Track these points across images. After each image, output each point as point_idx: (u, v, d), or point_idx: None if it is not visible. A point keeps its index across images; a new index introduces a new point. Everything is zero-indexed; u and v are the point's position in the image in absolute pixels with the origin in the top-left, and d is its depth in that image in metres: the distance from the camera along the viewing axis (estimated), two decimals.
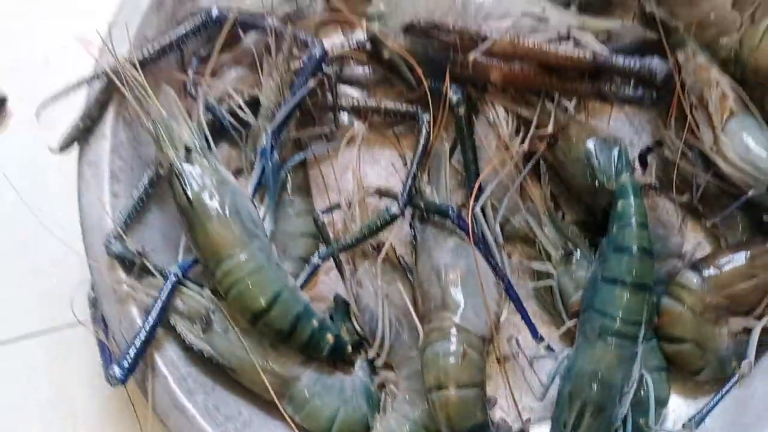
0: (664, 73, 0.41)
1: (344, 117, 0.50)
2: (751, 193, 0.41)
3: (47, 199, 0.48)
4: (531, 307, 0.46)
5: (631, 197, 0.41)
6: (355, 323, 0.45)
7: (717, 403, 0.41)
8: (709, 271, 0.42)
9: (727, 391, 0.41)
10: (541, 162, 0.46)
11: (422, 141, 0.46)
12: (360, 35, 0.50)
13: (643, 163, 0.47)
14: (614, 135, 0.44)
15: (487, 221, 0.45)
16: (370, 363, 0.45)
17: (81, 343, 0.48)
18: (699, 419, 0.41)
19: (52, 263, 0.50)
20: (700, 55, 0.45)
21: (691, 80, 0.44)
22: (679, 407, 0.45)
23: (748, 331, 0.42)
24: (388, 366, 0.45)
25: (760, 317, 0.42)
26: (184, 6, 0.49)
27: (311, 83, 0.45)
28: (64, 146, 0.44)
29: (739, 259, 0.42)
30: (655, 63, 0.41)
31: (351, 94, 0.50)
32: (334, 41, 0.50)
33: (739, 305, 0.42)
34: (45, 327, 0.46)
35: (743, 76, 0.45)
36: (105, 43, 0.44)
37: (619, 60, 0.41)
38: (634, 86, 0.42)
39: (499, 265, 0.44)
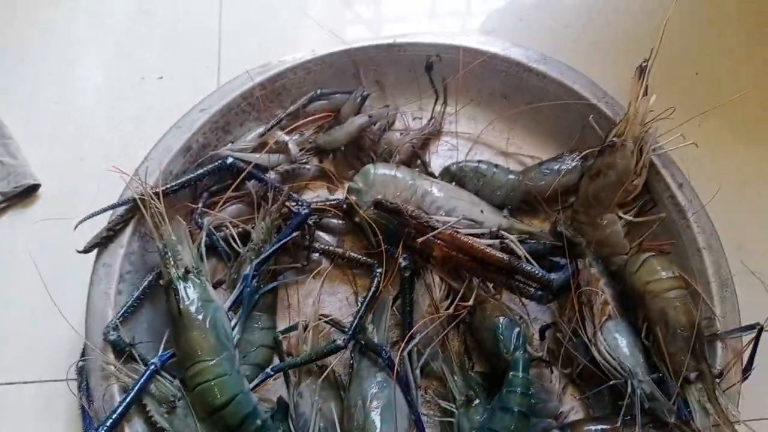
0: (559, 284, 0.54)
1: (315, 255, 0.62)
2: (612, 381, 0.54)
3: (60, 279, 0.59)
4: None
5: (520, 371, 0.52)
6: (291, 425, 0.56)
7: None
8: None
9: None
10: (461, 324, 0.58)
11: (372, 288, 0.58)
12: (339, 195, 0.64)
13: (542, 336, 0.59)
14: (518, 317, 0.56)
15: (411, 364, 0.56)
16: None
17: (64, 397, 0.58)
18: None
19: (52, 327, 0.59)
20: (594, 266, 0.58)
21: (584, 283, 0.58)
22: None
23: None
24: None
25: None
26: (206, 152, 0.62)
27: (295, 234, 0.57)
28: (88, 249, 0.56)
29: (597, 431, 0.53)
30: (554, 276, 0.54)
31: (324, 238, 0.63)
32: (319, 195, 0.64)
33: None
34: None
35: (623, 289, 0.58)
36: (138, 176, 0.57)
37: (528, 267, 0.54)
38: (536, 288, 0.55)
39: (413, 402, 0.54)
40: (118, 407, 0.51)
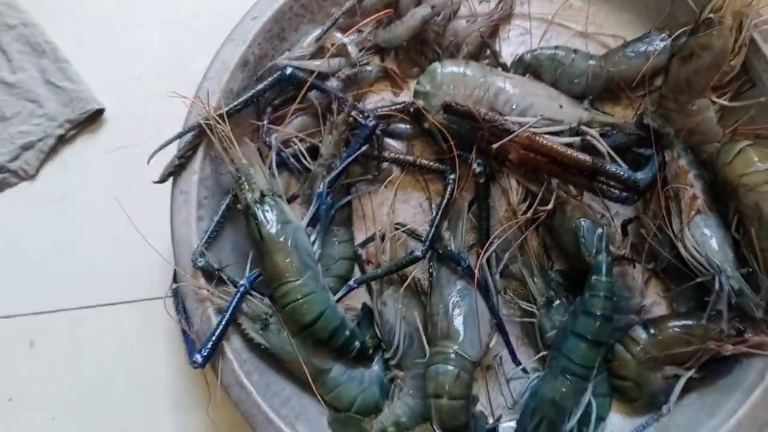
0: (646, 184, 0.51)
1: (385, 164, 0.60)
2: (699, 278, 0.53)
3: (142, 210, 0.59)
4: (516, 331, 0.59)
5: (604, 275, 0.52)
6: (377, 330, 0.59)
7: (644, 429, 0.55)
8: (656, 332, 0.54)
9: (652, 423, 0.54)
10: (540, 226, 0.58)
11: (447, 195, 0.57)
12: (405, 97, 0.60)
13: (624, 232, 0.58)
14: (600, 216, 0.55)
15: (490, 270, 0.57)
16: (385, 362, 0.59)
17: (165, 320, 0.62)
18: None
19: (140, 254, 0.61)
20: (683, 158, 0.55)
21: (672, 177, 0.55)
22: (619, 425, 0.57)
23: (677, 376, 0.55)
24: (398, 366, 0.58)
25: (688, 369, 0.55)
26: (264, 63, 0.59)
27: (364, 148, 0.56)
28: (164, 179, 0.56)
29: (681, 327, 0.54)
30: (640, 175, 0.51)
31: (393, 145, 0.61)
32: (384, 98, 0.61)
33: (674, 360, 0.54)
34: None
35: (715, 181, 0.55)
36: (200, 99, 0.55)
37: (612, 168, 0.51)
38: (621, 190, 0.52)
39: (494, 307, 0.56)
40: (216, 329, 0.54)
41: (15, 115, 0.65)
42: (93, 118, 0.65)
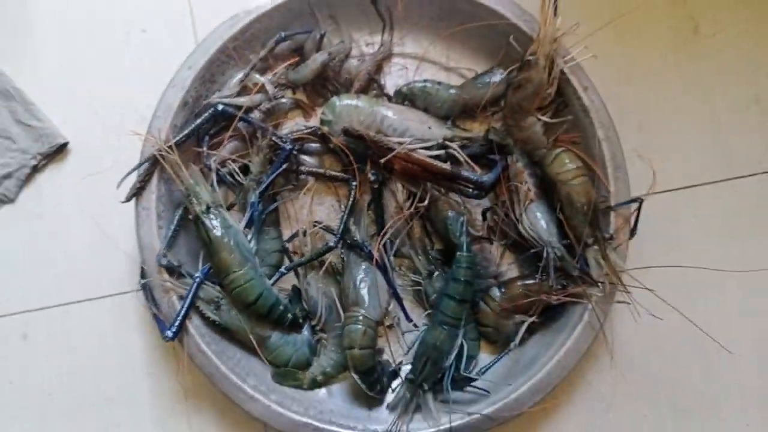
0: (491, 183, 0.70)
1: (302, 176, 0.77)
2: (534, 249, 0.72)
3: (109, 223, 0.76)
4: (408, 297, 0.77)
5: (464, 251, 0.71)
6: (304, 304, 0.76)
7: (498, 360, 0.74)
8: (506, 290, 0.73)
9: (503, 355, 0.73)
10: (421, 218, 0.76)
11: (351, 197, 0.75)
12: (314, 121, 0.77)
13: (484, 217, 0.77)
14: (462, 210, 0.74)
15: (386, 252, 0.75)
16: (312, 328, 0.76)
17: (136, 308, 0.77)
18: (488, 367, 0.73)
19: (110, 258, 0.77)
20: (520, 161, 0.74)
21: (512, 176, 0.74)
22: (485, 360, 0.75)
23: (523, 322, 0.75)
24: (322, 330, 0.75)
25: (531, 316, 0.74)
26: (200, 103, 0.74)
27: (284, 165, 0.72)
28: (129, 198, 0.71)
29: (523, 285, 0.73)
30: (485, 178, 0.70)
31: (308, 160, 0.77)
32: (297, 123, 0.78)
33: (520, 310, 0.74)
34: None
35: (543, 177, 0.74)
36: (152, 135, 0.70)
37: (465, 173, 0.70)
38: (473, 188, 0.71)
39: (391, 280, 0.74)
40: (180, 311, 0.71)
41: None
42: (60, 150, 0.78)
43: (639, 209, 0.70)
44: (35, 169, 0.78)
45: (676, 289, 0.71)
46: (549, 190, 0.74)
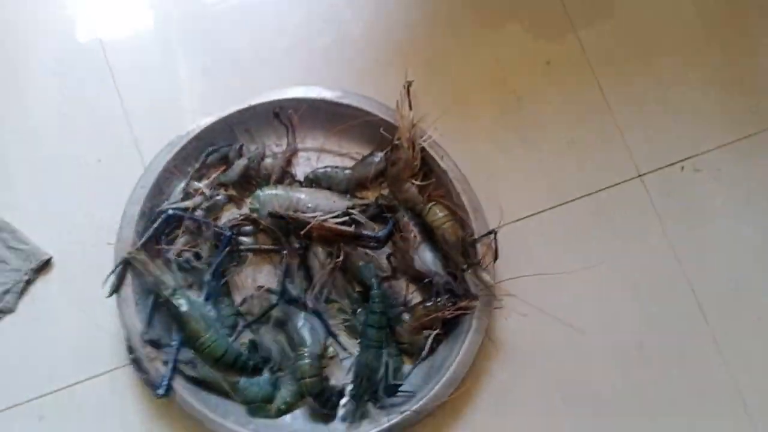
0: (385, 236, 0.93)
1: (243, 253, 0.98)
2: (426, 280, 0.95)
3: (95, 313, 0.95)
4: (342, 333, 0.98)
5: (376, 289, 0.93)
6: (261, 353, 0.96)
7: (415, 367, 0.95)
8: (412, 313, 0.95)
9: (419, 362, 0.95)
10: (340, 270, 0.98)
11: (283, 264, 0.96)
12: (245, 209, 0.99)
13: (388, 260, 0.99)
14: (369, 257, 0.96)
15: (318, 301, 0.96)
16: (270, 369, 0.96)
17: (129, 380, 0.95)
18: (409, 373, 0.95)
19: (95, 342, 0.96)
20: (405, 216, 0.97)
21: (402, 227, 0.97)
22: (408, 369, 0.97)
23: (429, 336, 0.96)
24: (279, 370, 0.95)
25: (433, 330, 0.96)
26: (154, 211, 0.95)
27: (227, 249, 0.93)
28: (111, 293, 0.91)
29: (423, 307, 0.95)
30: (380, 233, 0.93)
31: (245, 240, 0.98)
32: (233, 212, 0.99)
33: (426, 326, 0.96)
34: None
35: (424, 224, 0.97)
36: (120, 240, 0.90)
37: (365, 232, 0.93)
38: (373, 242, 0.94)
39: (326, 321, 0.95)
40: (166, 374, 0.90)
41: None
42: (46, 264, 0.97)
43: (495, 238, 0.94)
44: (28, 283, 0.97)
45: (535, 291, 0.96)
46: (430, 234, 0.97)
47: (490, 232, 0.95)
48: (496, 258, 0.95)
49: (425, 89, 1.01)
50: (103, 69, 1.02)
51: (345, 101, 0.97)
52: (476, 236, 0.95)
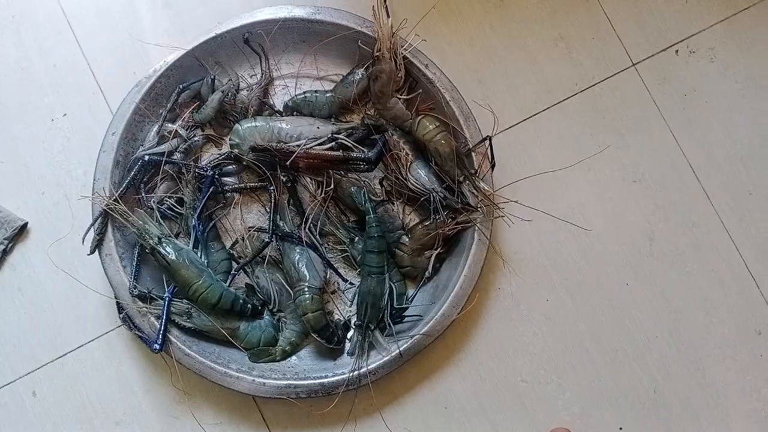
0: (376, 156, 0.88)
1: (228, 194, 0.93)
2: (423, 198, 0.91)
3: (80, 274, 0.90)
4: (340, 263, 0.94)
5: (371, 214, 0.89)
6: (259, 295, 0.92)
7: (419, 288, 0.92)
8: (412, 235, 0.91)
9: (422, 284, 0.92)
10: (332, 199, 0.93)
11: (272, 200, 0.91)
12: (225, 148, 0.93)
13: (381, 185, 0.95)
14: (361, 183, 0.91)
15: (313, 234, 0.91)
16: (270, 311, 0.92)
17: (122, 341, 0.91)
18: (414, 296, 0.92)
19: (85, 302, 0.92)
20: (395, 134, 0.92)
21: (392, 146, 0.92)
22: (412, 292, 0.94)
23: (431, 255, 0.93)
24: (279, 310, 0.92)
25: (435, 249, 0.92)
26: (129, 158, 0.89)
27: (211, 189, 0.88)
28: (93, 250, 0.86)
29: (423, 226, 0.91)
30: (371, 153, 0.88)
31: (229, 180, 0.93)
32: (212, 153, 0.94)
33: (427, 246, 0.92)
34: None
35: (415, 141, 0.93)
36: (96, 192, 0.85)
37: (354, 154, 0.88)
38: (364, 164, 0.88)
39: (322, 253, 0.91)
40: (160, 326, 0.86)
41: None
42: (22, 231, 0.92)
43: (491, 145, 0.90)
44: (5, 253, 0.92)
45: (537, 196, 0.92)
46: (422, 150, 0.92)
47: (484, 140, 0.90)
48: (493, 166, 0.91)
49: None
50: (59, 15, 0.96)
51: (318, 17, 0.91)
52: (470, 145, 0.91)
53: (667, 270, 0.94)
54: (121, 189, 0.87)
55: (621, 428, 0.92)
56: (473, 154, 0.91)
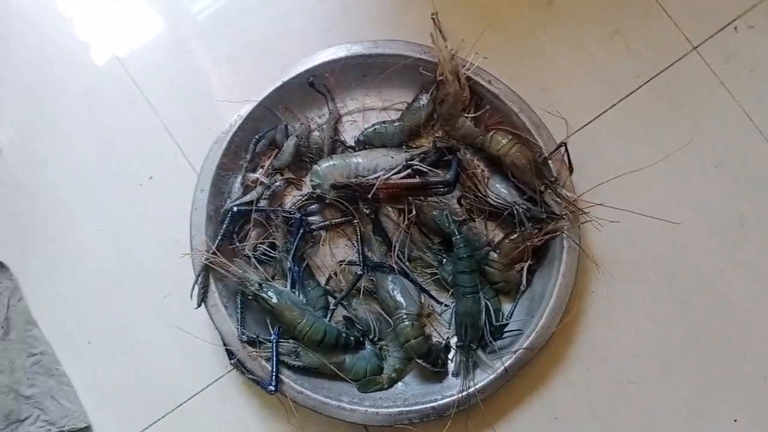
0: (453, 177, 0.90)
1: (316, 232, 0.96)
2: (506, 212, 0.92)
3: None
4: (433, 287, 0.96)
5: (458, 234, 0.91)
6: (359, 327, 0.94)
7: (517, 303, 0.93)
8: (500, 250, 0.93)
9: (519, 298, 0.93)
10: (416, 225, 0.95)
11: (358, 233, 0.94)
12: (305, 189, 0.97)
13: (459, 204, 0.96)
14: (442, 206, 0.93)
15: (402, 261, 0.93)
16: (372, 341, 0.94)
17: (235, 386, 0.95)
18: (512, 311, 0.92)
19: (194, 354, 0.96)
20: (468, 153, 0.94)
21: (467, 165, 0.94)
22: (508, 308, 0.94)
23: (522, 268, 0.93)
24: (380, 340, 0.94)
25: (525, 261, 0.93)
26: (219, 212, 0.93)
27: (301, 232, 0.91)
28: (199, 304, 0.90)
29: (510, 240, 0.92)
30: (449, 175, 0.90)
31: (315, 219, 0.96)
32: (295, 196, 0.97)
33: (517, 260, 0.93)
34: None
35: (489, 157, 0.94)
36: (194, 248, 0.89)
37: (432, 178, 0.90)
38: (443, 187, 0.90)
39: (414, 279, 0.93)
40: (272, 369, 0.88)
41: (27, 417, 0.94)
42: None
43: (567, 150, 0.90)
44: None
45: (619, 195, 0.92)
46: (497, 165, 0.94)
47: (559, 146, 0.91)
48: (571, 171, 0.91)
49: (452, 14, 0.97)
50: (129, 85, 1.01)
51: (377, 51, 0.94)
52: (546, 154, 0.91)
53: (762, 251, 0.93)
54: (217, 242, 0.91)
55: (735, 420, 0.91)
56: (550, 161, 0.91)
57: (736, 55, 0.97)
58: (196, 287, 0.90)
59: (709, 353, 0.92)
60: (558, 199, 0.90)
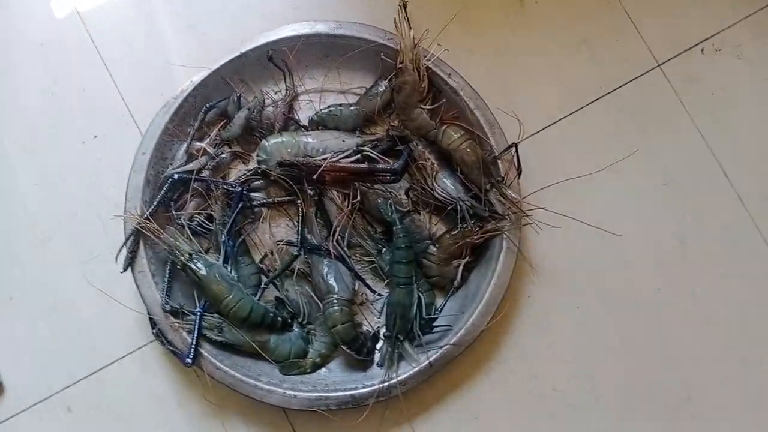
0: (401, 167, 0.88)
1: (257, 209, 0.94)
2: (450, 207, 0.91)
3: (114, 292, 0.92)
4: (368, 275, 0.94)
5: (398, 224, 0.89)
6: (289, 308, 0.92)
7: (448, 298, 0.91)
8: (439, 245, 0.91)
9: (451, 294, 0.91)
10: (359, 211, 0.93)
11: (300, 214, 0.92)
12: (252, 164, 0.94)
13: (407, 195, 0.95)
14: (387, 195, 0.91)
15: (340, 246, 0.92)
16: (300, 323, 0.92)
17: (154, 357, 0.93)
18: (443, 306, 0.91)
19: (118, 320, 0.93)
20: (419, 145, 0.93)
21: (418, 157, 0.92)
22: (440, 302, 0.92)
23: (459, 264, 0.92)
24: (309, 323, 0.92)
25: (463, 258, 0.91)
26: (159, 177, 0.91)
27: (240, 205, 0.89)
28: (126, 268, 0.87)
29: (450, 236, 0.91)
30: (396, 164, 0.88)
31: (257, 195, 0.94)
32: (240, 170, 0.95)
33: (455, 256, 0.92)
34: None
35: (440, 151, 0.93)
36: (128, 211, 0.87)
37: (380, 166, 0.88)
38: (390, 176, 0.88)
39: (350, 265, 0.91)
40: (192, 342, 0.86)
41: None
42: None
43: (517, 152, 0.89)
44: None
45: (565, 202, 0.91)
46: (447, 159, 0.92)
47: (510, 147, 0.90)
48: (519, 173, 0.90)
49: (423, 5, 0.96)
50: (86, 41, 0.98)
51: (340, 31, 0.92)
52: (496, 153, 0.90)
53: (699, 274, 0.93)
54: (152, 207, 0.89)
55: None
56: (499, 161, 0.91)
57: (699, 77, 0.97)
58: (124, 250, 0.88)
59: (635, 368, 0.91)
60: (502, 199, 0.89)
